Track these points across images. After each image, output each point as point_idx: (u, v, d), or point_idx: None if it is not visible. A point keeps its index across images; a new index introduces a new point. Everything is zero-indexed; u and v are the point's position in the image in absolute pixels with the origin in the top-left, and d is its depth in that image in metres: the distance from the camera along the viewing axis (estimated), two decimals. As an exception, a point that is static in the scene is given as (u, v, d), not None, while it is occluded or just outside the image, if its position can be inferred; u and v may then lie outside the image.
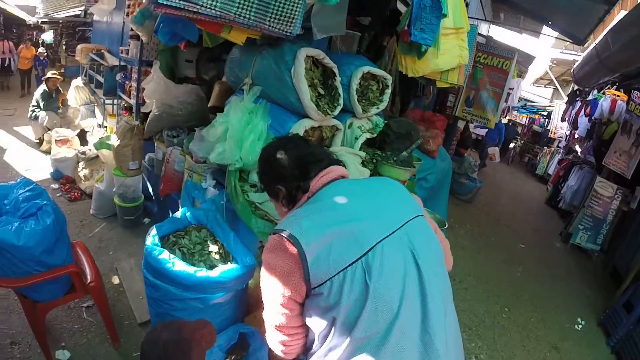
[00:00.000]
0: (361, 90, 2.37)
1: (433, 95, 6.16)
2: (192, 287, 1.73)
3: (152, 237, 1.93)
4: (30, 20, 13.76)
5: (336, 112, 2.17)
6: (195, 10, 1.80)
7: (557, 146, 11.62)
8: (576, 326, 3.79)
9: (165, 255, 1.79)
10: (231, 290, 1.85)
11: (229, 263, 1.95)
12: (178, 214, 2.19)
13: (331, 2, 1.85)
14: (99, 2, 4.49)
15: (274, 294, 1.03)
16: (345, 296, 0.94)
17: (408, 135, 2.57)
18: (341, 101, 2.18)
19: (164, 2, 1.76)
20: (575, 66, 7.62)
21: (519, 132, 15.48)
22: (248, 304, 2.13)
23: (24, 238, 1.84)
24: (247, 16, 1.85)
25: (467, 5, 5.79)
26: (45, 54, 11.22)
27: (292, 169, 1.16)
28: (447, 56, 3.01)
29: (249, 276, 1.91)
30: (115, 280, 2.96)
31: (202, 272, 1.74)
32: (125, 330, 2.51)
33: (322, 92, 2.10)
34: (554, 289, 4.45)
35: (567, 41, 7.16)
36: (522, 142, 15.17)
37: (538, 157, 12.76)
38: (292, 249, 0.97)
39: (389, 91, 2.53)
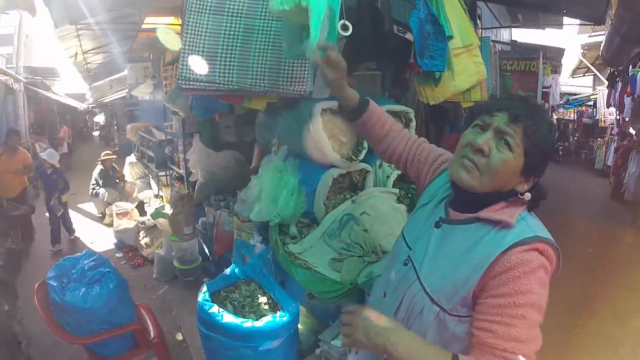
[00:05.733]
0: (386, 129, 2.45)
1: (466, 115, 6.10)
2: (241, 336, 1.88)
3: (202, 294, 2.11)
4: (81, 106, 15.34)
5: (361, 157, 2.27)
6: (215, 88, 2.03)
7: (611, 134, 10.85)
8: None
9: (214, 309, 1.96)
10: (279, 337, 1.96)
11: (278, 312, 2.06)
12: (227, 271, 2.36)
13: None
14: (139, 87, 5.00)
15: (542, 303, 0.88)
16: None
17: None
18: (365, 144, 2.27)
19: (188, 87, 2.02)
20: (602, 48, 7.16)
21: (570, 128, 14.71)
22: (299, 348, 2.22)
23: (90, 301, 2.15)
24: (262, 85, 2.05)
25: (479, 17, 5.81)
26: (54, 165, 5.39)
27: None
28: (463, 76, 3.01)
29: (294, 322, 2.03)
30: (179, 336, 3.17)
31: (249, 323, 1.89)
32: (189, 383, 2.68)
33: (344, 140, 2.21)
34: (634, 291, 4.07)
35: (586, 24, 6.82)
36: (575, 138, 14.35)
37: (594, 151, 11.96)
38: (553, 258, 0.91)
39: (413, 124, 2.59)
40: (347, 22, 1.71)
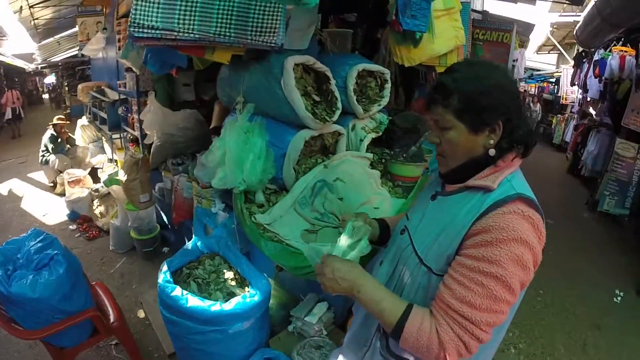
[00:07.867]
0: (359, 90, 2.29)
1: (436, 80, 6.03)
2: (208, 320, 1.72)
3: (163, 274, 1.90)
4: (29, 67, 14.09)
5: (335, 118, 2.09)
6: (173, 37, 1.75)
7: (571, 112, 11.26)
8: (615, 299, 3.61)
9: (177, 291, 1.79)
10: (250, 318, 1.81)
11: (246, 288, 1.90)
12: (189, 245, 2.16)
13: (310, 5, 1.77)
14: (89, 43, 4.52)
15: (512, 281, 0.85)
16: None
17: (415, 129, 2.47)
18: (339, 105, 2.10)
19: (141, 35, 1.73)
20: (577, 27, 7.38)
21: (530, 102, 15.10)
22: (270, 326, 2.08)
23: (39, 290, 1.85)
24: (227, 34, 1.80)
25: (457, -17, 5.66)
26: None
27: (524, 116, 0.99)
28: (442, 39, 2.91)
29: (266, 301, 1.88)
30: (141, 313, 2.96)
31: (216, 306, 1.72)
32: (156, 363, 2.50)
33: (317, 99, 2.02)
34: (588, 263, 4.28)
35: (565, 3, 6.89)
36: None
37: (553, 126, 12.39)
38: (542, 224, 0.90)
39: (388, 86, 2.44)
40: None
